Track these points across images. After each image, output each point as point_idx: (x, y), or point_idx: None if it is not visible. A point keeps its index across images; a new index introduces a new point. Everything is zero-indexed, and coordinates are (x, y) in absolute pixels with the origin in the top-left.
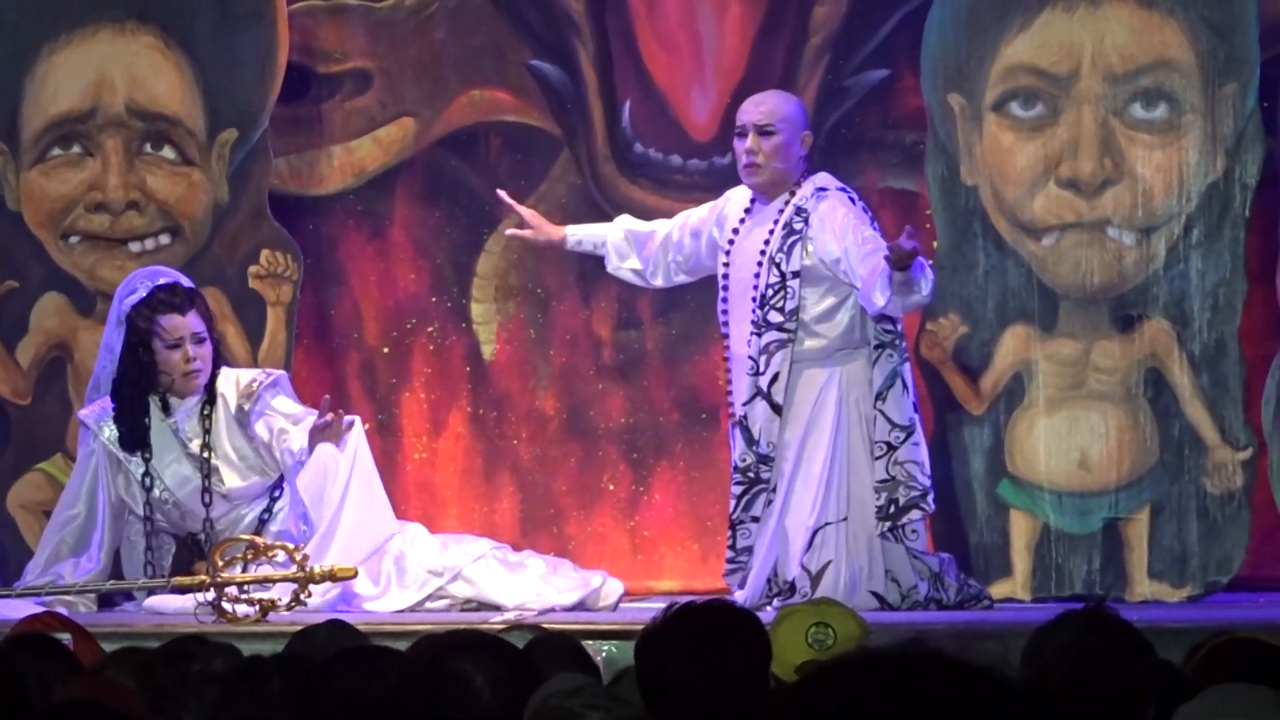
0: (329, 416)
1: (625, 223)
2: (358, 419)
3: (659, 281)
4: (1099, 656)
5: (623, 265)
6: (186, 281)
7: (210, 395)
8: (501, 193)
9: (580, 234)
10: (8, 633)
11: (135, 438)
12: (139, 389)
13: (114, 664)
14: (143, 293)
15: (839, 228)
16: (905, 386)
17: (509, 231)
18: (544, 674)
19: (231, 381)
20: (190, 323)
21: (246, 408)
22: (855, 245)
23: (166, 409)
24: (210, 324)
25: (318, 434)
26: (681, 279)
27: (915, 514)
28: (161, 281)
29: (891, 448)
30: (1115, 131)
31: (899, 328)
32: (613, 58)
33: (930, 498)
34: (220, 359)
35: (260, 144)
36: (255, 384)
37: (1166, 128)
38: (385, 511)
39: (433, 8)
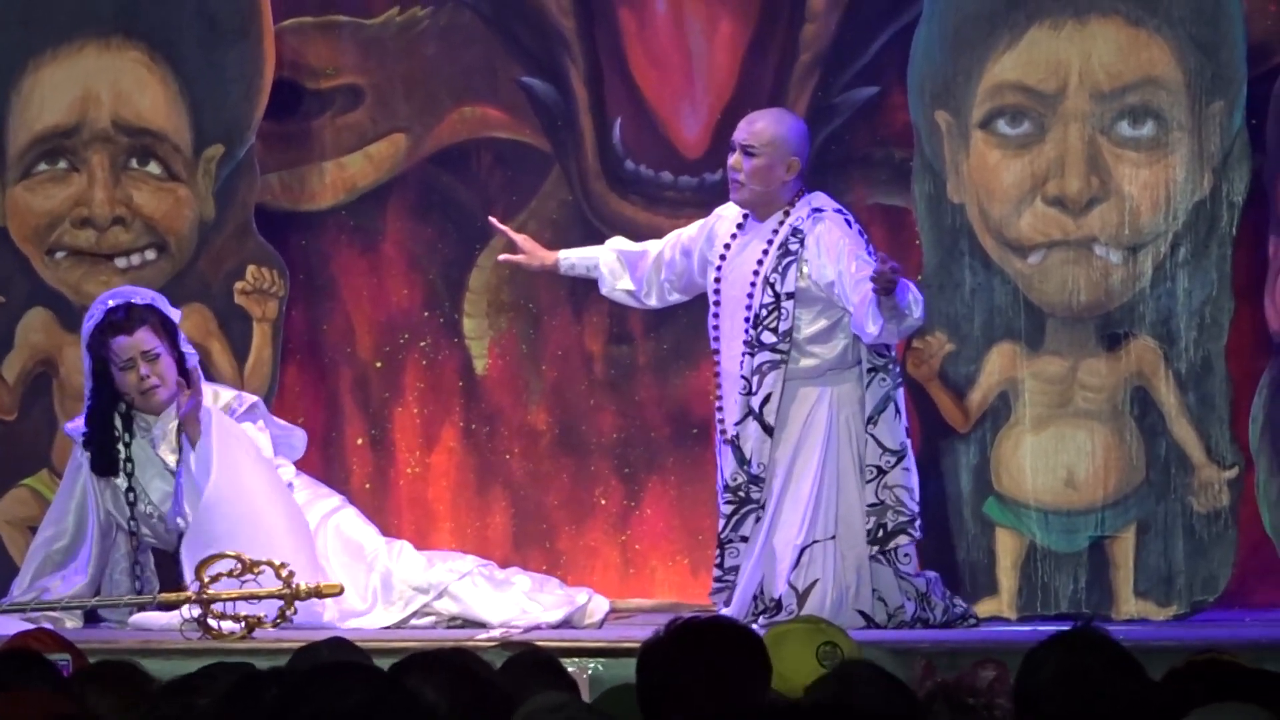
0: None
1: (617, 244)
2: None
3: (653, 301)
4: (1095, 677)
5: (616, 287)
6: (142, 298)
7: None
8: (494, 220)
9: (573, 258)
10: None
11: (106, 460)
12: (106, 413)
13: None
14: (96, 317)
15: (834, 252)
16: (898, 411)
17: (501, 257)
18: (522, 691)
19: (209, 398)
20: (140, 341)
21: None
22: (848, 271)
23: (145, 426)
24: (170, 338)
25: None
26: (675, 298)
27: (903, 539)
28: (110, 304)
29: (882, 471)
30: (1102, 149)
31: (893, 352)
32: (603, 75)
33: (918, 524)
34: (187, 373)
35: (247, 160)
36: (227, 409)
37: (1153, 145)
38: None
39: (423, 24)
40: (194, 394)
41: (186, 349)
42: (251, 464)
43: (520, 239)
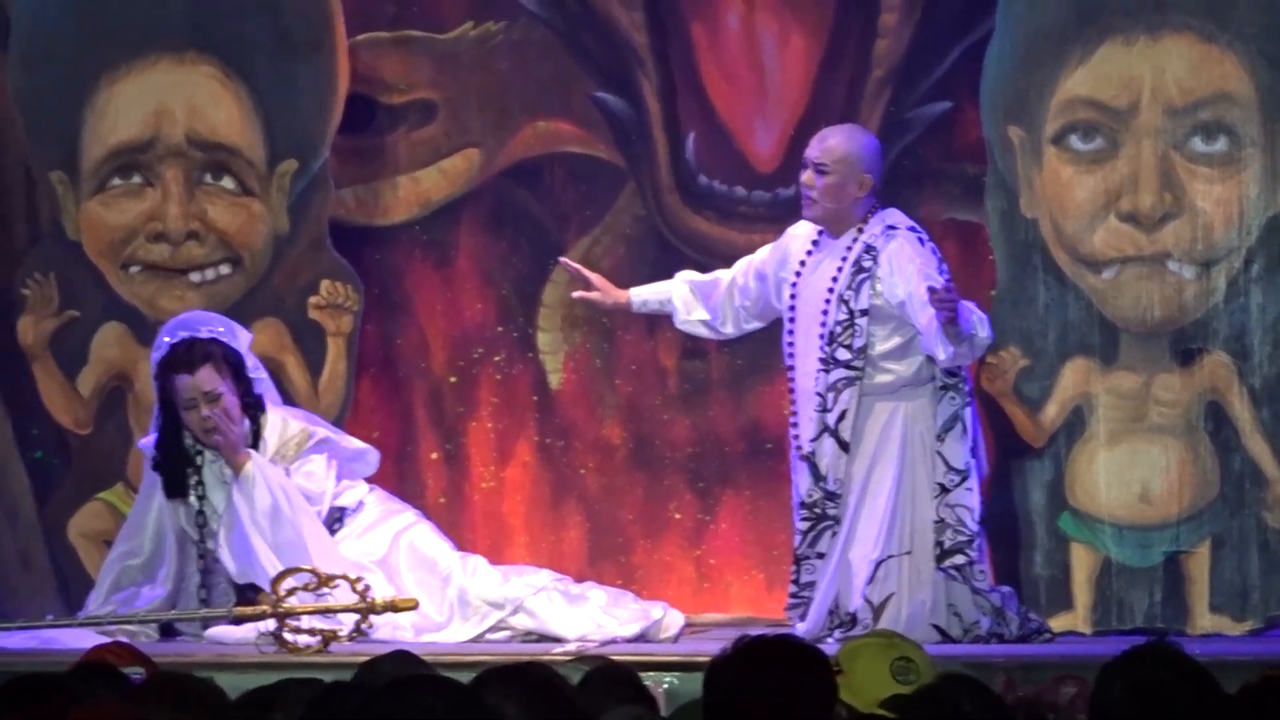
0: None
1: (686, 276)
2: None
3: (729, 330)
4: (1170, 692)
5: (691, 317)
6: (209, 329)
7: (255, 436)
8: (565, 260)
9: (644, 294)
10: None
11: (175, 484)
12: (174, 439)
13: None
14: (161, 350)
15: (904, 271)
16: (965, 430)
17: (576, 294)
18: (600, 706)
19: (276, 429)
20: (201, 381)
21: (281, 463)
22: (917, 294)
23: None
24: (234, 372)
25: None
26: (753, 325)
27: (959, 558)
28: (180, 337)
29: (945, 489)
30: (1175, 165)
31: (964, 371)
32: (676, 89)
33: (976, 543)
34: (255, 398)
35: (320, 174)
36: (294, 443)
37: (1226, 161)
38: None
39: (497, 39)
40: (237, 427)
41: (256, 374)
42: (287, 516)
43: (594, 277)
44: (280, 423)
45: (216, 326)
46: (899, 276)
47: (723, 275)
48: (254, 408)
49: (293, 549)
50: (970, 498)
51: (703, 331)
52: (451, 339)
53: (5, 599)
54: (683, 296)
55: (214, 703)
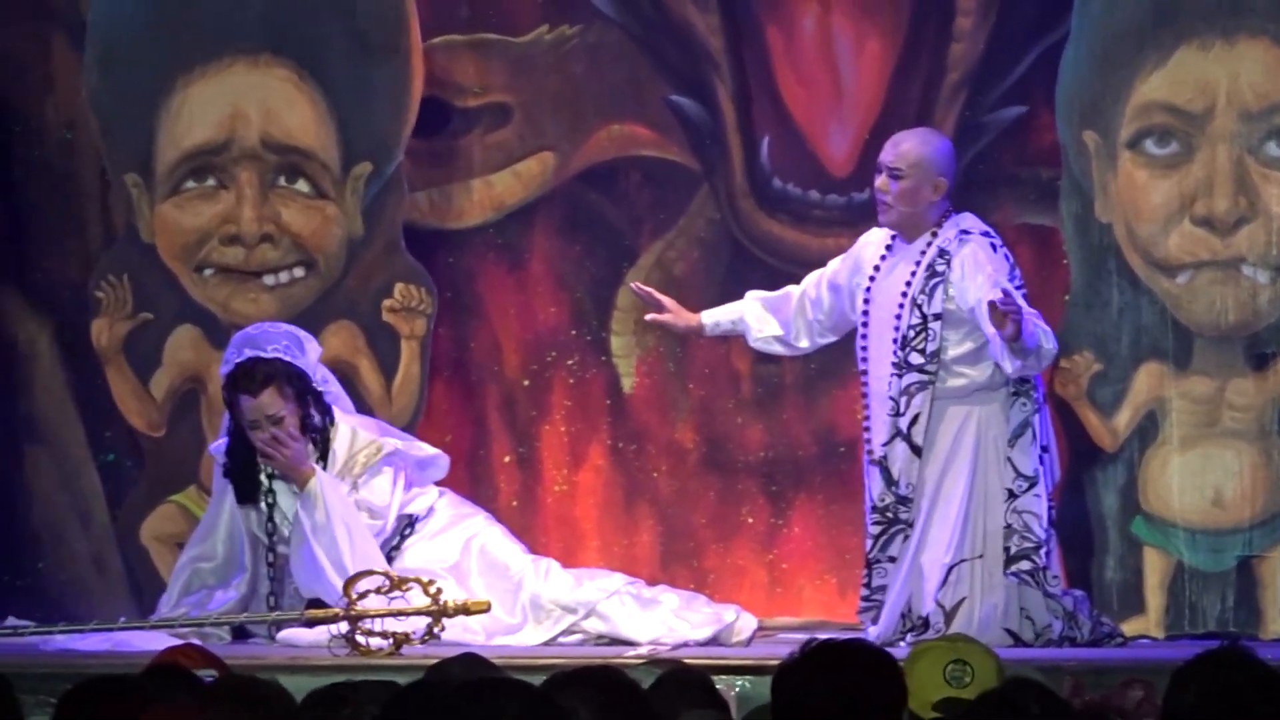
0: None
1: (756, 295)
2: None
3: (804, 344)
4: (1242, 697)
5: (764, 334)
6: (274, 346)
7: (324, 448)
8: (636, 286)
9: (716, 315)
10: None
11: (244, 492)
12: (242, 450)
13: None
14: (228, 367)
15: (975, 279)
16: (1034, 436)
17: (648, 317)
18: (673, 710)
19: (346, 442)
20: (264, 404)
21: (348, 477)
22: (984, 304)
23: None
24: (299, 391)
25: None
26: (828, 339)
27: (1025, 564)
28: (245, 355)
29: (1013, 495)
30: (1249, 169)
31: (1035, 377)
32: (751, 93)
33: (1043, 551)
34: (324, 408)
35: (395, 177)
36: (362, 457)
37: None
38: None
39: (572, 43)
40: (297, 445)
41: (325, 386)
42: (341, 535)
43: (666, 301)
44: (350, 434)
45: (281, 342)
46: (969, 283)
47: (793, 290)
48: (322, 421)
49: (340, 569)
50: (1038, 504)
51: (777, 349)
52: (524, 343)
53: (79, 602)
54: (755, 314)
55: (283, 706)
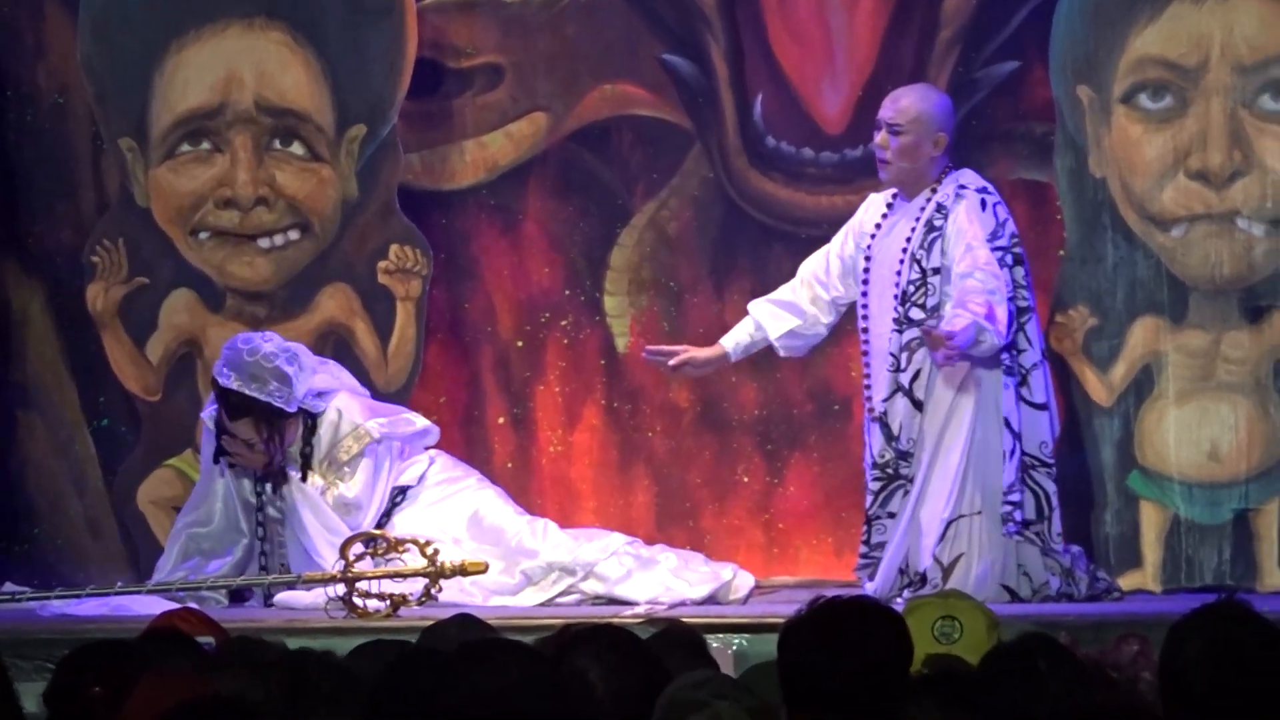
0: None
1: (762, 300)
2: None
3: (827, 320)
4: (1240, 650)
5: (782, 329)
6: (255, 388)
7: (311, 430)
8: (650, 349)
9: (734, 337)
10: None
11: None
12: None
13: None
14: (215, 384)
15: (958, 242)
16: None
17: (672, 362)
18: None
19: (331, 430)
20: (237, 428)
21: (330, 466)
22: (956, 267)
23: None
24: (273, 427)
25: None
26: (846, 303)
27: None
28: (228, 380)
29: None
30: (1244, 123)
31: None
32: (744, 51)
33: (1017, 513)
34: (303, 428)
35: (389, 139)
36: (346, 443)
37: None
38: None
39: (564, 3)
40: (276, 457)
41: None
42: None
43: (676, 348)
44: (335, 421)
45: (269, 383)
46: (951, 244)
47: (794, 282)
48: (304, 434)
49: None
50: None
51: (799, 342)
52: (519, 303)
53: (75, 567)
54: (767, 315)
55: (278, 665)
